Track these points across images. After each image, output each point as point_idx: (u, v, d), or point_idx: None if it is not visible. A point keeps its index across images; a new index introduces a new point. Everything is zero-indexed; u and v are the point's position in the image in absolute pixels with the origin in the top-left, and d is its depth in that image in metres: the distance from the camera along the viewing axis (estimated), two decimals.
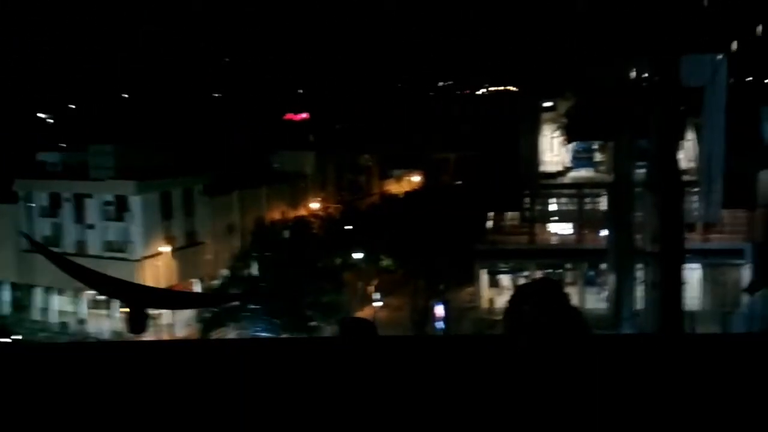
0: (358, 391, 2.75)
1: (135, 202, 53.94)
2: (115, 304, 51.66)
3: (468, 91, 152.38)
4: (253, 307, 44.51)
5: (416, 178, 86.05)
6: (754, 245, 46.72)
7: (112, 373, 3.19)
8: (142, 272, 52.24)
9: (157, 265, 52.98)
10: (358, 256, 49.54)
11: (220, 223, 59.29)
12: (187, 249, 56.06)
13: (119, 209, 54.66)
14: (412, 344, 3.56)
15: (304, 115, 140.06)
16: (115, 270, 46.53)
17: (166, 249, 54.22)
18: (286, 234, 54.38)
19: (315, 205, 67.97)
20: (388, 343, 3.38)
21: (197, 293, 51.36)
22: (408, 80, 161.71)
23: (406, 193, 62.52)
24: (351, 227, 51.84)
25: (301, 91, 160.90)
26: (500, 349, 2.88)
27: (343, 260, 49.60)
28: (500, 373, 2.78)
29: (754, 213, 47.13)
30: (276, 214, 62.20)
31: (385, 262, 48.88)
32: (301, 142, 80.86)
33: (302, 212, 63.44)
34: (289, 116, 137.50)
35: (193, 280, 57.12)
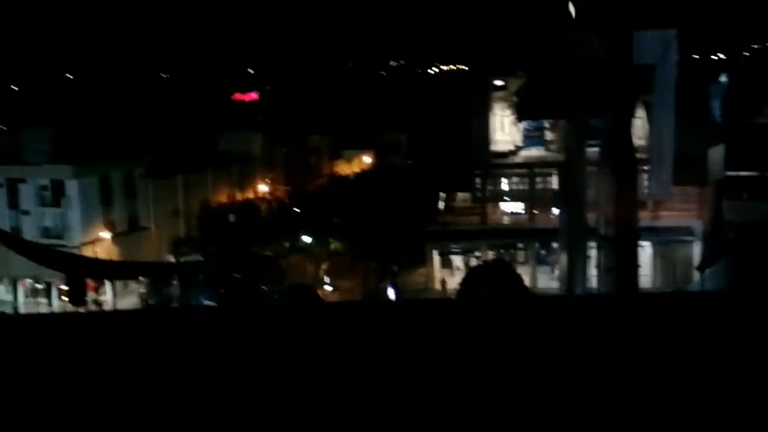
0: (305, 353, 2.73)
1: (72, 186, 51.79)
2: (54, 292, 49.75)
3: (420, 71, 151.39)
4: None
5: (368, 159, 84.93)
6: (703, 222, 46.69)
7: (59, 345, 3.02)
8: None
9: (97, 252, 51.00)
10: (307, 239, 48.21)
11: (164, 207, 57.41)
12: (129, 234, 54.14)
13: (56, 194, 52.45)
14: (357, 309, 3.62)
15: (254, 95, 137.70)
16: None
17: (106, 235, 52.25)
18: (233, 218, 52.78)
19: (264, 188, 66.41)
20: (332, 308, 3.53)
21: (138, 263, 49.82)
22: (360, 60, 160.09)
23: (356, 174, 61.29)
24: (300, 210, 50.48)
25: (251, 71, 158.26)
26: (446, 313, 2.96)
27: (291, 244, 48.26)
28: (448, 337, 2.77)
29: (704, 190, 47.03)
30: (223, 197, 60.52)
31: (334, 245, 47.62)
32: (250, 123, 79.06)
33: (250, 195, 61.85)
34: (238, 96, 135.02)
35: None
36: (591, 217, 47.14)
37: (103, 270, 47.98)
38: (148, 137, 61.59)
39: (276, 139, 72.60)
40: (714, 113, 51.77)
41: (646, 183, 48.61)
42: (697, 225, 46.64)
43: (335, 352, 2.73)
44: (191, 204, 59.14)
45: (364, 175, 57.43)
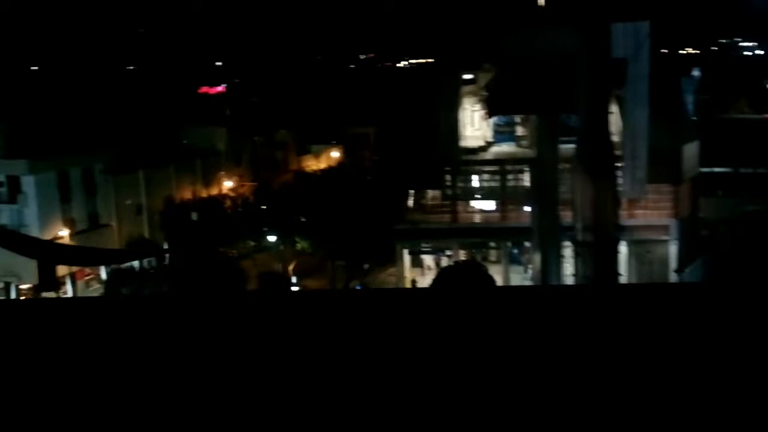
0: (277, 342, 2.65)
1: (28, 182, 49.76)
2: (11, 290, 47.80)
3: (390, 64, 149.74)
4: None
5: (336, 154, 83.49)
6: (679, 221, 45.96)
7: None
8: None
9: None
10: (273, 238, 46.67)
11: (126, 204, 55.57)
12: (89, 232, 52.22)
13: (11, 190, 50.35)
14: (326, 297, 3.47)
15: (220, 89, 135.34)
16: (7, 256, 42.82)
17: (65, 233, 50.32)
18: (195, 216, 51.08)
19: (229, 183, 64.72)
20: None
21: (109, 250, 48.23)
22: (329, 53, 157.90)
23: (323, 170, 59.80)
24: (265, 207, 48.90)
25: (219, 63, 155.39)
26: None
27: (256, 243, 46.68)
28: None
29: (679, 188, 46.29)
30: (186, 194, 58.78)
31: (301, 244, 46.11)
32: (216, 117, 77.25)
33: (215, 191, 60.14)
34: (205, 89, 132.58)
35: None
36: (565, 216, 46.34)
37: (74, 256, 46.12)
38: (110, 132, 59.64)
39: (242, 134, 70.91)
40: (687, 108, 51.08)
41: (620, 180, 47.82)
42: (673, 224, 45.89)
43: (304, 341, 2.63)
44: (154, 200, 57.35)
45: (331, 171, 55.90)
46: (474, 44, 46.95)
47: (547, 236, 43.90)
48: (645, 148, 45.03)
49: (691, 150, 47.46)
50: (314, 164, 79.61)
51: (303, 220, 46.27)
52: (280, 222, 46.28)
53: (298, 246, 46.36)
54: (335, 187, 49.72)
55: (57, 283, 44.88)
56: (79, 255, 46.06)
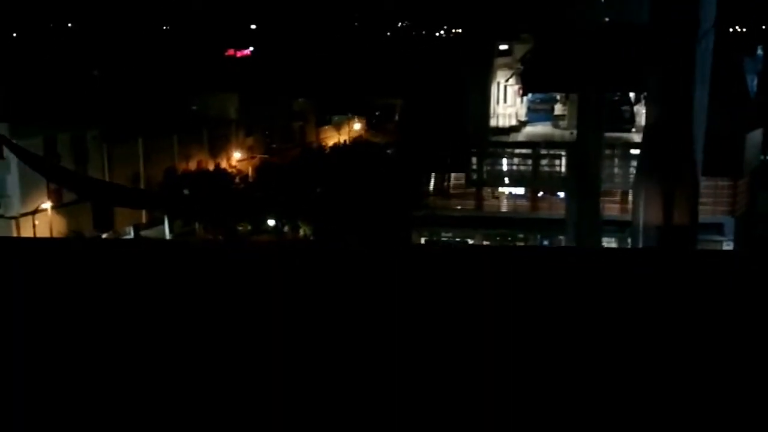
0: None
1: None
2: None
3: (424, 32, 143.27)
4: None
5: (358, 126, 78.26)
6: (736, 220, 40.24)
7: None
8: (18, 232, 44.05)
9: (37, 223, 44.70)
10: (272, 221, 41.80)
11: (122, 174, 50.96)
12: (78, 204, 47.72)
13: None
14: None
15: (247, 52, 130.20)
16: None
17: (48, 205, 45.89)
18: (187, 191, 46.30)
19: (237, 155, 59.84)
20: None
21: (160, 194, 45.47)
22: (366, 19, 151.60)
23: (335, 145, 54.62)
24: (269, 185, 43.94)
25: (254, 26, 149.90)
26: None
27: (255, 225, 41.85)
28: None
29: (738, 182, 40.49)
30: (191, 165, 54.00)
31: (304, 228, 41.15)
32: (236, 82, 72.33)
33: (223, 163, 55.35)
34: (231, 52, 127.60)
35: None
36: (607, 209, 40.89)
37: (128, 198, 43.20)
38: (112, 97, 55.16)
39: (257, 101, 65.85)
40: (750, 92, 44.97)
41: None
42: (728, 222, 40.18)
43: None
44: (154, 171, 52.72)
45: (344, 147, 50.63)
46: (512, 8, 41.36)
47: (584, 231, 38.51)
48: (701, 136, 39.20)
49: (754, 138, 41.55)
50: (334, 136, 74.46)
51: (308, 201, 41.27)
52: (282, 202, 41.31)
53: (301, 231, 41.50)
54: (347, 164, 44.60)
55: (111, 223, 45.81)
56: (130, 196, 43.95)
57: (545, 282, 2.49)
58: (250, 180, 48.54)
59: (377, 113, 78.67)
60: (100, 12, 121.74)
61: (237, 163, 57.56)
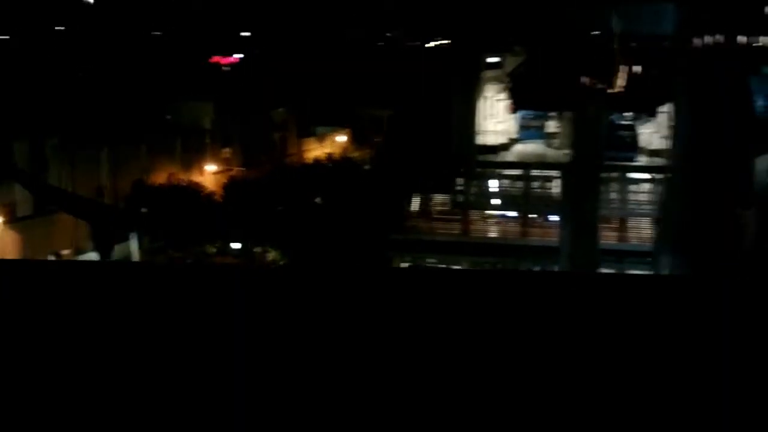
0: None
1: None
2: None
3: (418, 43, 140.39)
4: None
5: (342, 138, 75.10)
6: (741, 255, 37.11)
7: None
8: None
9: None
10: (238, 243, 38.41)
11: (85, 186, 47.59)
12: (33, 218, 44.32)
13: None
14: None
15: (233, 59, 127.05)
16: None
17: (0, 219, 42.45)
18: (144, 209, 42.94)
19: (213, 168, 56.51)
20: None
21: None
22: (358, 28, 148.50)
23: (312, 161, 51.39)
24: (242, 201, 40.54)
25: (248, 33, 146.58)
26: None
27: (219, 247, 38.49)
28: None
29: (746, 213, 37.41)
30: (161, 177, 50.58)
31: (272, 254, 37.86)
32: (217, 90, 69.23)
33: (196, 176, 51.97)
34: (216, 59, 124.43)
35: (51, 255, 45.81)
36: (605, 237, 37.79)
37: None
38: (78, 105, 51.89)
39: (237, 111, 62.66)
40: (757, 113, 42.04)
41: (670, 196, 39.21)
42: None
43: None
44: (122, 183, 49.31)
45: (320, 163, 47.29)
46: (502, 19, 38.44)
47: (580, 261, 35.48)
48: (698, 160, 36.22)
49: (763, 164, 38.54)
50: (316, 149, 71.27)
51: (277, 221, 37.96)
52: (254, 222, 37.95)
53: (270, 256, 38.14)
54: (323, 181, 41.38)
55: (112, 244, 44.77)
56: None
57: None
58: (220, 196, 45.20)
59: (363, 125, 75.62)
60: (80, 14, 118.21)
61: (211, 176, 54.23)
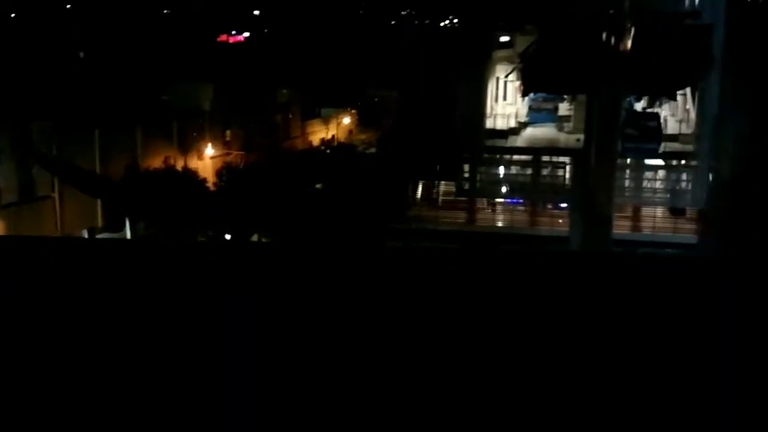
0: None
1: None
2: None
3: (428, 22, 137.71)
4: None
5: (348, 120, 73.05)
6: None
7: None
8: None
9: None
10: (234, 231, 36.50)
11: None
12: (20, 206, 42.63)
13: None
14: None
15: (240, 38, 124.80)
16: None
17: None
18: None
19: (211, 151, 54.62)
20: None
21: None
22: (371, 7, 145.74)
23: (312, 147, 49.35)
24: (236, 188, 38.61)
25: (257, 12, 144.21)
26: None
27: (211, 237, 36.62)
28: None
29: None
30: (157, 161, 48.75)
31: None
32: (221, 71, 67.35)
33: (193, 160, 50.07)
34: (224, 38, 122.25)
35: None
36: (619, 227, 35.80)
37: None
38: (73, 86, 50.15)
39: (239, 92, 60.64)
40: None
41: (686, 185, 37.04)
42: None
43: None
44: (114, 167, 47.52)
45: (321, 148, 45.06)
46: None
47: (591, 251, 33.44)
48: (727, 147, 33.98)
49: None
50: (321, 131, 69.28)
51: (277, 209, 35.93)
52: (249, 209, 35.95)
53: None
54: (324, 167, 39.41)
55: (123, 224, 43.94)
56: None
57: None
58: (215, 182, 43.28)
59: (370, 107, 73.49)
60: None
61: (210, 160, 52.35)
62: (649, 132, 29.37)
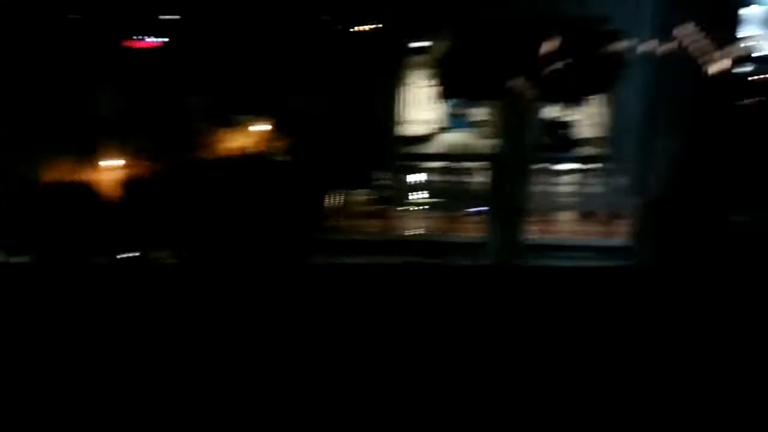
0: None
1: None
2: None
3: (342, 27, 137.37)
4: None
5: (265, 127, 71.63)
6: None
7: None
8: None
9: None
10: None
11: None
12: None
13: None
14: None
15: (153, 42, 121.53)
16: None
17: None
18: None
19: (110, 163, 52.24)
20: None
21: None
22: (290, 13, 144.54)
23: (221, 158, 48.02)
24: (136, 202, 36.90)
25: (168, 17, 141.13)
26: None
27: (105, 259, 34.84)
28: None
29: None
30: (55, 174, 46.33)
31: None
32: (131, 76, 64.85)
33: (86, 173, 47.81)
34: (129, 43, 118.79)
35: None
36: (533, 232, 35.87)
37: None
38: None
39: (147, 98, 58.48)
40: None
41: (598, 188, 37.40)
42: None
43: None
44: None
45: (232, 159, 43.90)
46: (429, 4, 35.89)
47: (504, 256, 33.40)
48: (637, 150, 34.40)
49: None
50: (236, 139, 67.70)
51: (177, 225, 34.53)
52: (144, 226, 34.37)
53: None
54: (236, 176, 38.15)
55: None
56: None
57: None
58: (111, 197, 41.29)
59: (288, 114, 72.30)
60: None
61: (112, 172, 50.17)
62: (563, 140, 29.42)
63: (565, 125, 29.99)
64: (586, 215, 36.10)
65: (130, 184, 44.33)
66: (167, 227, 35.17)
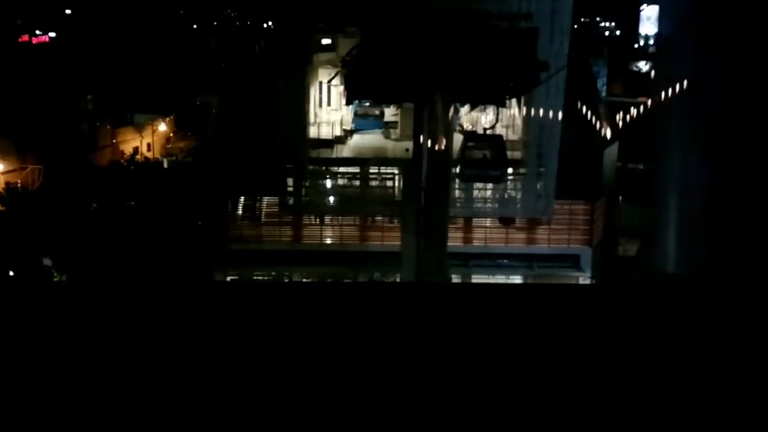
0: None
1: None
2: None
3: (249, 23, 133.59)
4: None
5: (164, 127, 68.25)
6: (594, 249, 34.77)
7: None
8: None
9: None
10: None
11: None
12: None
13: None
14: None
15: (44, 38, 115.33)
16: None
17: None
18: None
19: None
20: None
21: None
22: (192, 8, 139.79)
23: (110, 162, 44.74)
24: (23, 211, 33.56)
25: (69, 11, 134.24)
26: None
27: None
28: None
29: (595, 206, 35.01)
30: None
31: (58, 276, 31.41)
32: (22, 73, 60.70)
33: None
34: (25, 38, 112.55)
35: None
36: (455, 240, 34.38)
37: None
38: None
39: (35, 98, 54.64)
40: (602, 98, 39.97)
41: (516, 195, 36.23)
42: (585, 253, 34.69)
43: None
44: None
45: (121, 165, 40.55)
46: None
47: (426, 266, 31.67)
48: (555, 153, 33.30)
49: (611, 154, 36.37)
50: (134, 140, 64.15)
51: (66, 235, 31.49)
52: (23, 238, 31.14)
53: (56, 277, 31.54)
54: (129, 182, 35.27)
55: None
56: None
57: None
58: None
59: (189, 111, 69.08)
60: None
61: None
62: (492, 158, 27.71)
63: (495, 143, 28.18)
64: (505, 221, 34.90)
65: (9, 191, 40.58)
66: (51, 239, 32.00)
